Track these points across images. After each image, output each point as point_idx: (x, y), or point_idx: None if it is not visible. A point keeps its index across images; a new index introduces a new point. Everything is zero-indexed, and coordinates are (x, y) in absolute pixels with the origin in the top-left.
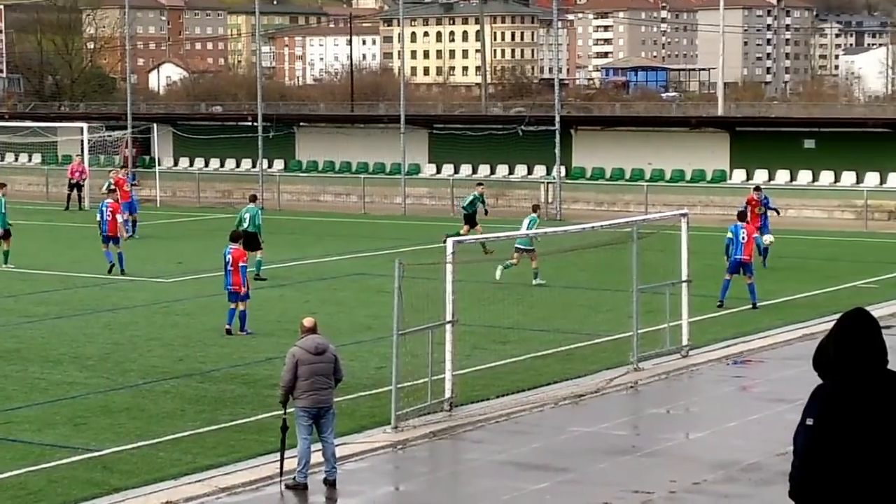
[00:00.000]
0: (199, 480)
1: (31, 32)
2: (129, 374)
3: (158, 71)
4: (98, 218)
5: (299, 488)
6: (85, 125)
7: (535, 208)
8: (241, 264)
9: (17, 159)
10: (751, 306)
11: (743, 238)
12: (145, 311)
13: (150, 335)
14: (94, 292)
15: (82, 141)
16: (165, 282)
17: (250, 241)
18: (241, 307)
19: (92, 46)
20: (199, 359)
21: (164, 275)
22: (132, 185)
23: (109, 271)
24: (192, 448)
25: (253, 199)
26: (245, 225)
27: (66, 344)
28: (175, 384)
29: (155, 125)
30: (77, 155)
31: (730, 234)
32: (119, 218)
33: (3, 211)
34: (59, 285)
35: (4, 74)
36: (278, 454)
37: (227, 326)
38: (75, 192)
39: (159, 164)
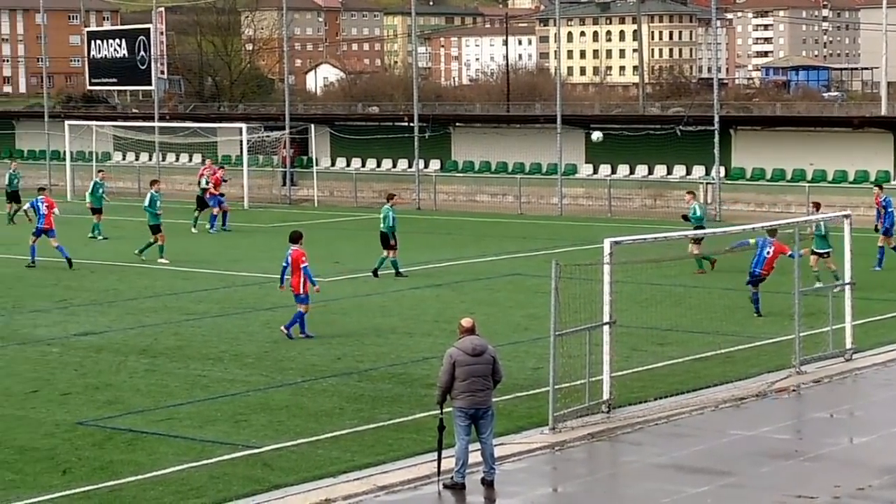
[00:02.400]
0: (358, 478)
1: (191, 34)
2: (289, 372)
3: (316, 72)
4: (32, 211)
5: (457, 488)
6: (244, 126)
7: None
8: (302, 265)
9: (177, 159)
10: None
11: (767, 253)
12: None
13: (309, 333)
14: (254, 291)
15: (240, 142)
16: (323, 281)
17: (382, 240)
18: (300, 308)
19: (250, 48)
20: (356, 357)
21: (322, 274)
22: (224, 180)
23: (33, 264)
24: (351, 446)
25: (390, 198)
26: (389, 223)
27: (226, 341)
28: (333, 382)
29: (312, 126)
30: (208, 158)
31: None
32: (56, 212)
33: (158, 206)
34: (219, 284)
35: (165, 76)
36: (436, 454)
37: (284, 328)
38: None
39: (317, 165)
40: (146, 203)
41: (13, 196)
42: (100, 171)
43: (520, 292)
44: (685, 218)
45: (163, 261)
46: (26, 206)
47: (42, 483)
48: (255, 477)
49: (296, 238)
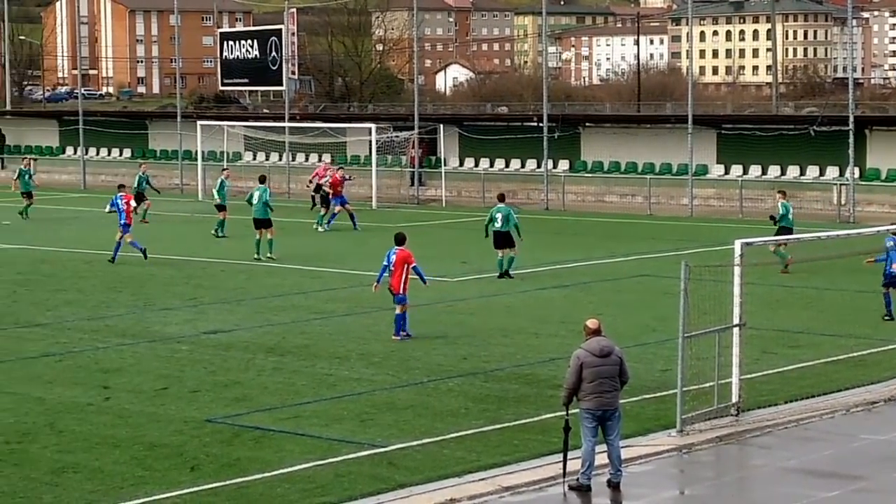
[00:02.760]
0: (483, 479)
1: (322, 35)
2: (415, 372)
3: (445, 72)
4: (113, 209)
5: (583, 490)
6: (373, 126)
7: None
8: (412, 265)
9: (307, 159)
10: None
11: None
12: (430, 310)
13: (435, 333)
14: (381, 291)
15: (370, 142)
16: (450, 281)
17: (504, 239)
18: (399, 310)
19: (380, 48)
20: (483, 358)
21: (449, 274)
22: (346, 178)
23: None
24: (476, 446)
25: (501, 198)
26: (498, 225)
27: (353, 341)
28: (459, 382)
29: (441, 126)
30: (323, 160)
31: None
32: (133, 204)
33: (267, 200)
34: (346, 283)
35: (296, 76)
36: (561, 455)
37: (405, 333)
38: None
39: (445, 165)
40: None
41: (140, 197)
42: (224, 170)
43: (648, 293)
44: (772, 219)
45: (271, 256)
46: (107, 205)
47: (171, 479)
48: (381, 476)
49: (401, 240)
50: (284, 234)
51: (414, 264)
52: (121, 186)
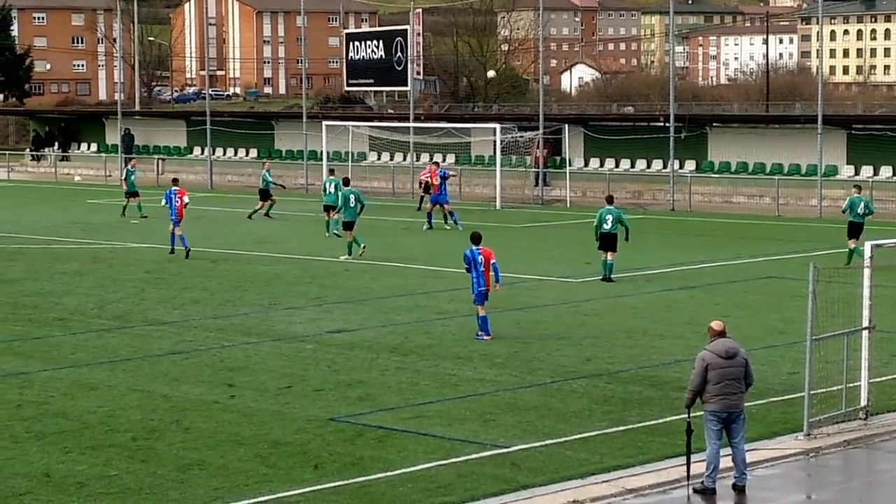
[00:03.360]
0: (606, 481)
1: (448, 35)
2: (538, 373)
3: (571, 72)
4: (166, 203)
5: (707, 493)
6: (497, 126)
7: None
8: (492, 262)
9: (431, 159)
10: None
11: None
12: (554, 311)
13: (559, 334)
14: (504, 291)
15: (494, 142)
16: (574, 282)
17: (611, 242)
18: (484, 311)
19: (506, 48)
20: (606, 359)
21: (573, 275)
22: (445, 176)
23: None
24: (600, 448)
25: (610, 200)
26: (607, 227)
27: (476, 341)
28: (583, 384)
29: (566, 126)
30: (433, 161)
31: None
32: (186, 199)
33: (361, 203)
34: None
35: (421, 77)
36: (685, 457)
37: (487, 336)
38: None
39: (570, 165)
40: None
41: (265, 194)
42: (331, 169)
43: (775, 295)
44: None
45: (345, 258)
46: (163, 200)
47: (294, 477)
48: (503, 476)
49: (480, 238)
50: (409, 235)
51: (494, 261)
52: (175, 181)
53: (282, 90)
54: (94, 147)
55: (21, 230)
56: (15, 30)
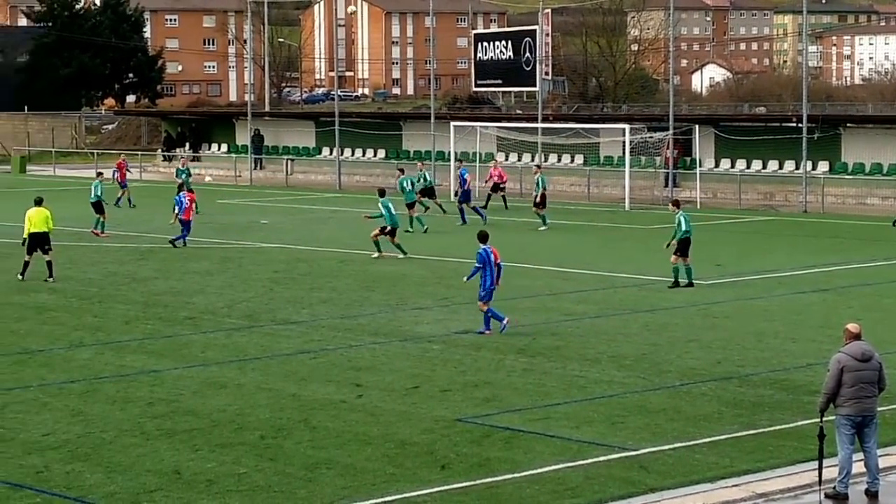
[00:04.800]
0: (736, 485)
1: (577, 35)
2: (667, 375)
3: (702, 72)
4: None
5: (839, 498)
6: (627, 126)
7: None
8: (498, 261)
9: (559, 160)
10: None
11: None
12: (683, 313)
13: (688, 337)
14: (633, 293)
15: (623, 143)
16: (704, 284)
17: (683, 247)
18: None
19: (635, 48)
20: (737, 362)
21: (703, 276)
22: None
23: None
24: (730, 452)
25: (677, 204)
26: (683, 229)
27: (604, 343)
28: (713, 387)
29: (696, 126)
30: (494, 160)
31: None
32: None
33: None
34: (598, 284)
35: (549, 77)
36: (817, 462)
37: (488, 330)
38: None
39: (700, 166)
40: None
41: (428, 192)
42: (401, 168)
43: None
44: None
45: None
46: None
47: (421, 477)
48: (631, 479)
49: (486, 237)
50: (537, 236)
51: (500, 261)
52: (187, 188)
53: (410, 91)
54: (224, 148)
55: (153, 230)
56: (147, 32)
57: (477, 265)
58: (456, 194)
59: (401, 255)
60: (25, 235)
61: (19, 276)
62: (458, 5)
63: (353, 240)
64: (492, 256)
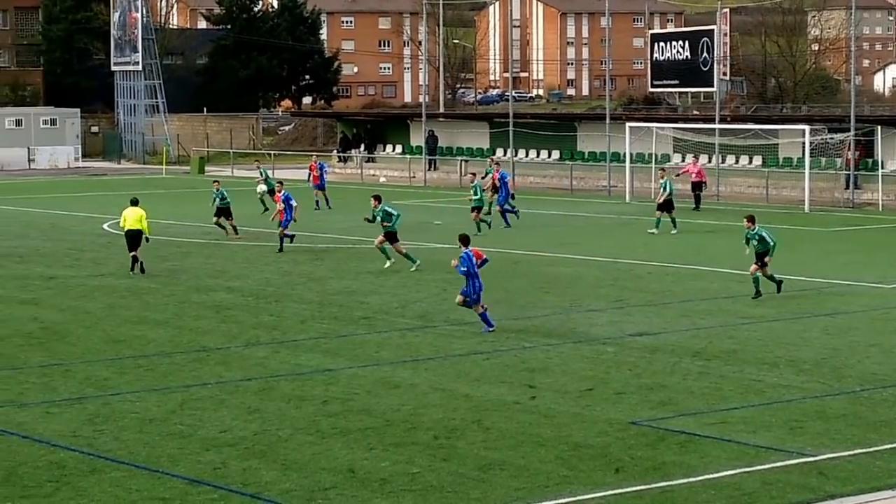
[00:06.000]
0: None
1: (755, 35)
2: (847, 380)
3: (884, 72)
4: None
5: None
6: (807, 128)
7: None
8: (484, 258)
9: (737, 161)
10: None
11: None
12: (864, 317)
13: (870, 341)
14: (812, 296)
15: (803, 144)
16: (885, 287)
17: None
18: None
19: (816, 48)
20: None
21: (885, 280)
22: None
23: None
24: None
25: (751, 220)
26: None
27: (782, 347)
28: (894, 392)
29: (878, 128)
30: (693, 157)
31: None
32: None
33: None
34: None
35: (728, 77)
36: None
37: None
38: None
39: (882, 167)
40: None
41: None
42: (473, 173)
43: None
44: None
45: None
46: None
47: (595, 480)
48: (810, 485)
49: (468, 240)
50: (714, 238)
51: (486, 258)
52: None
53: (584, 91)
54: (398, 149)
55: (329, 230)
56: (324, 34)
57: (462, 269)
58: (497, 195)
59: (387, 264)
60: (123, 232)
61: (131, 273)
62: (635, 5)
63: (525, 241)
64: (474, 259)
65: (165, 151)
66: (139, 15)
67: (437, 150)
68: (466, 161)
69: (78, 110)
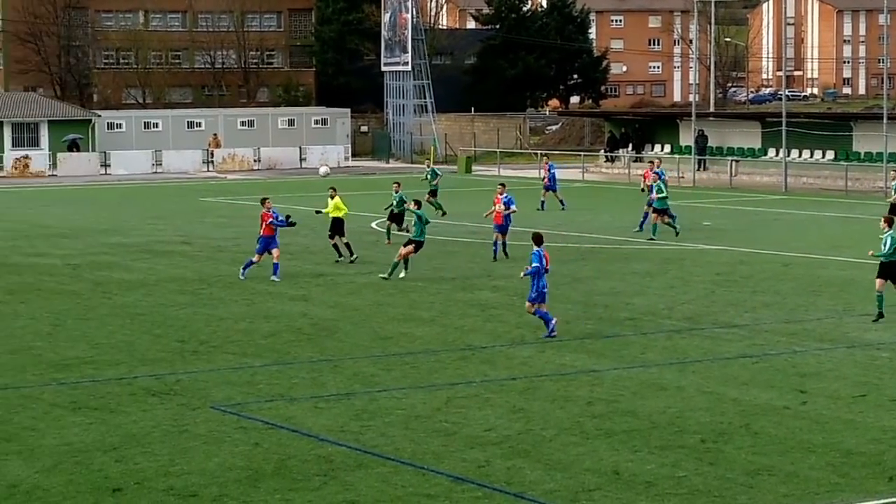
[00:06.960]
0: None
1: None
2: None
3: None
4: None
5: None
6: None
7: None
8: (548, 267)
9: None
10: None
11: None
12: None
13: None
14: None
15: None
16: None
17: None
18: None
19: None
20: None
21: None
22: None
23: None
24: None
25: (889, 222)
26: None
27: None
28: None
29: None
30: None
31: None
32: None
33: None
34: None
35: None
36: None
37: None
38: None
39: None
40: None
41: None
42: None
43: None
44: None
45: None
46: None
47: (867, 488)
48: None
49: (541, 239)
50: None
51: (549, 266)
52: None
53: (861, 90)
54: (667, 148)
55: (594, 230)
56: (593, 33)
57: (535, 265)
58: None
59: (384, 275)
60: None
61: (337, 259)
62: None
63: (798, 243)
64: (544, 259)
65: (433, 151)
66: (409, 16)
67: (706, 150)
68: (737, 161)
69: (348, 110)
